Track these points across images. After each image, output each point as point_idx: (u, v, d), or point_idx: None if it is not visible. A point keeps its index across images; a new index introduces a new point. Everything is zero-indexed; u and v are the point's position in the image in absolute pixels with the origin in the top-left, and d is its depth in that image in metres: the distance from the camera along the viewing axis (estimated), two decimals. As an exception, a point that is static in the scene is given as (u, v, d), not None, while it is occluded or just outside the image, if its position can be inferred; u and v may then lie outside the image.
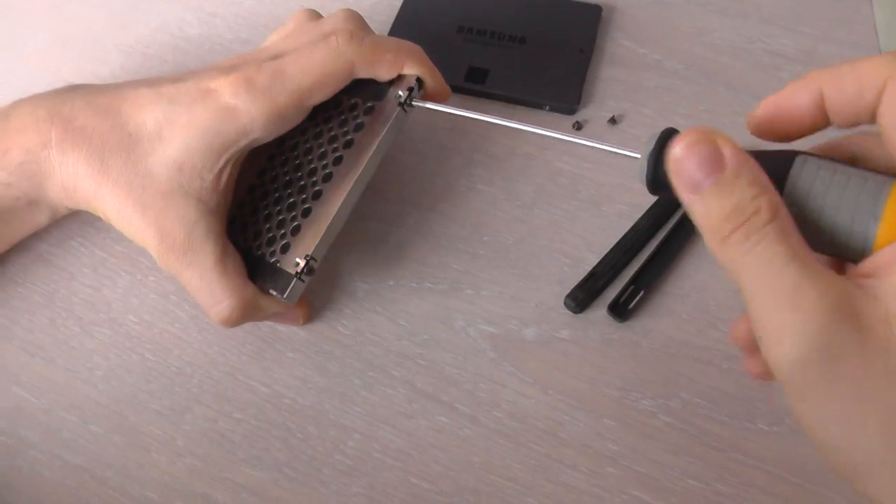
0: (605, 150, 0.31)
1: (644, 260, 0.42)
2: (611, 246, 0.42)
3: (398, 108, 0.39)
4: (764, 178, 0.24)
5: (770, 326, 0.24)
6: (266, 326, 0.41)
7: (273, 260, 0.38)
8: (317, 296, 0.42)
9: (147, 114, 0.37)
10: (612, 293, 0.41)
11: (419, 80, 0.39)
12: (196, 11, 0.53)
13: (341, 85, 0.38)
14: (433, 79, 0.40)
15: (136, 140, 0.37)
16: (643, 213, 0.43)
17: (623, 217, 0.43)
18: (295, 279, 0.37)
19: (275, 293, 0.37)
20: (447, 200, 0.45)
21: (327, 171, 0.39)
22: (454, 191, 0.45)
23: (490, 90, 0.47)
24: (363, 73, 0.39)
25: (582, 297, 0.40)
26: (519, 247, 0.43)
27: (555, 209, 0.44)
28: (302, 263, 0.37)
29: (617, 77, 0.49)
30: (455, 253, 0.43)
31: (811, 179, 0.25)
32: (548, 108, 0.47)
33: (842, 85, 0.25)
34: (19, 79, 0.51)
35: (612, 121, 0.46)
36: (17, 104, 0.39)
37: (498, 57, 0.48)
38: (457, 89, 0.47)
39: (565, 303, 0.41)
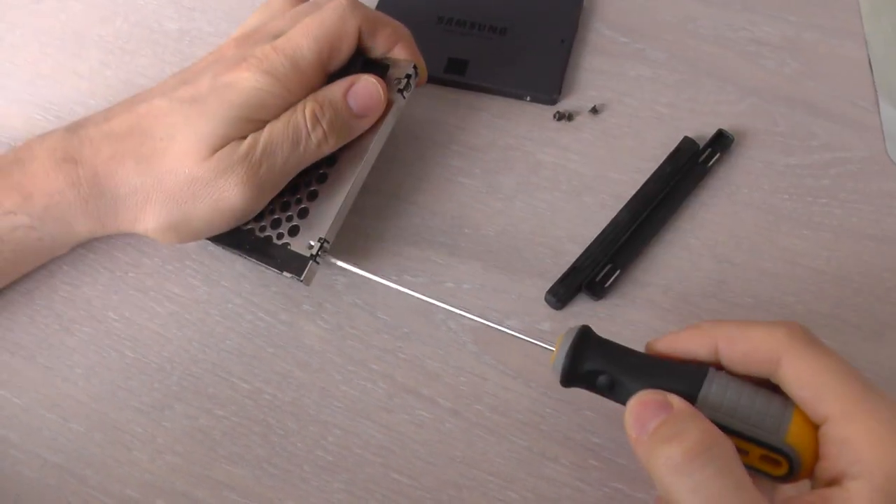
0: (522, 339, 0.35)
1: (620, 242, 0.41)
2: (593, 237, 0.42)
3: (398, 94, 0.40)
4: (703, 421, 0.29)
5: None
6: (245, 322, 0.41)
7: (282, 242, 0.38)
8: (296, 290, 0.41)
9: (171, 119, 0.37)
10: (592, 286, 0.41)
11: (415, 67, 0.40)
12: (174, 5, 0.52)
13: (351, 50, 0.39)
14: (420, 65, 0.41)
15: (169, 143, 0.37)
16: (624, 204, 0.43)
17: (605, 208, 0.43)
18: (311, 261, 0.38)
19: (290, 276, 0.38)
20: (427, 193, 0.44)
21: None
22: (434, 183, 0.45)
23: (470, 81, 0.47)
24: (365, 41, 0.40)
25: (562, 293, 0.40)
26: (500, 239, 0.43)
27: (536, 201, 0.44)
28: (316, 245, 0.38)
29: (599, 67, 0.48)
30: (435, 245, 0.43)
31: (721, 394, 0.30)
32: (528, 98, 0.46)
33: (736, 347, 0.30)
34: (-3, 75, 0.50)
35: (594, 110, 0.46)
36: (29, 148, 0.38)
37: (478, 48, 0.48)
38: (437, 80, 0.47)
39: (546, 299, 0.40)
